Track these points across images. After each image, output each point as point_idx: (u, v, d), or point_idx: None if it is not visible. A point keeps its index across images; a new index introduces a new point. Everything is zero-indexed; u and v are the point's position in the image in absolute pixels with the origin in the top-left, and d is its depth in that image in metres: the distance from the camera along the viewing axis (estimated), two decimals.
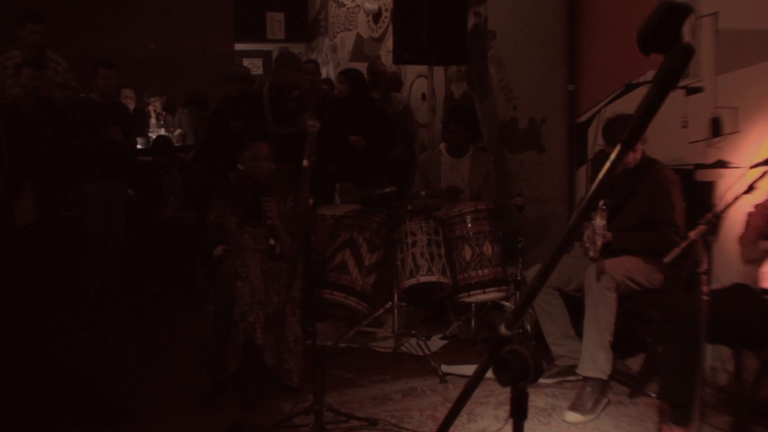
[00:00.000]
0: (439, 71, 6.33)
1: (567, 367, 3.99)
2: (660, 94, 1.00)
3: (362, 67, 6.95)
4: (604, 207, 3.79)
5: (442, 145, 5.44)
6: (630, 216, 3.81)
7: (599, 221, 3.79)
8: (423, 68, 6.41)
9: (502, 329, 1.21)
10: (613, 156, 1.05)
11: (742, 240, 3.37)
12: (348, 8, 8.67)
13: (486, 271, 4.53)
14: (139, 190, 6.19)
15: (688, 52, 0.96)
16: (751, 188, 2.92)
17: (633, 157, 3.85)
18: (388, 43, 7.15)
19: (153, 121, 7.97)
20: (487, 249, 4.56)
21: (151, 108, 8.05)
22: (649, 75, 4.30)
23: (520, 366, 1.17)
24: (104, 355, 4.62)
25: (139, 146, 6.84)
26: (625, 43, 4.40)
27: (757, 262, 3.20)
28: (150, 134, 7.69)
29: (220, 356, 3.89)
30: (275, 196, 4.09)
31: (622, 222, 3.79)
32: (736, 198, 2.91)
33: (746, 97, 3.72)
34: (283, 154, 4.74)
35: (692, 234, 2.81)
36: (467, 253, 4.57)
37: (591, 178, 4.13)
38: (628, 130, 1.05)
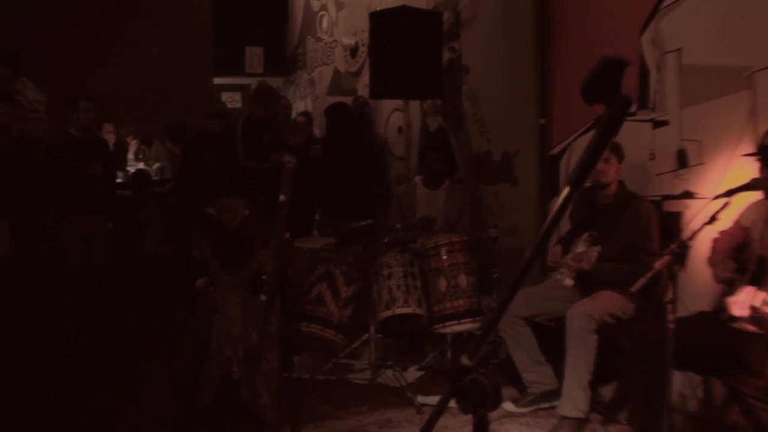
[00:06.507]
0: (414, 105, 6.43)
1: (540, 393, 4.06)
2: (603, 140, 1.08)
3: (339, 101, 7.06)
4: (588, 239, 3.89)
5: (417, 178, 5.53)
6: (611, 246, 3.89)
7: (581, 248, 3.90)
8: (399, 102, 6.50)
9: (464, 360, 1.28)
10: (560, 198, 1.13)
11: (711, 261, 3.46)
12: (326, 43, 8.80)
13: (461, 302, 4.58)
14: (118, 223, 6.20)
15: (626, 103, 1.05)
16: (713, 219, 3.00)
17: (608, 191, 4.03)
18: (365, 77, 7.25)
19: (131, 156, 8.00)
20: (462, 280, 4.62)
21: (129, 143, 8.10)
22: None
23: (480, 394, 1.24)
24: (81, 387, 4.61)
25: (118, 180, 6.87)
26: None
27: (728, 281, 3.26)
28: (128, 168, 7.72)
29: (194, 390, 3.90)
30: (258, 243, 4.11)
31: (604, 252, 3.88)
32: (700, 228, 3.00)
33: (709, 130, 3.84)
34: (253, 187, 4.77)
35: (657, 264, 2.90)
36: (442, 284, 4.62)
37: (571, 213, 4.23)
38: (575, 172, 1.12)
